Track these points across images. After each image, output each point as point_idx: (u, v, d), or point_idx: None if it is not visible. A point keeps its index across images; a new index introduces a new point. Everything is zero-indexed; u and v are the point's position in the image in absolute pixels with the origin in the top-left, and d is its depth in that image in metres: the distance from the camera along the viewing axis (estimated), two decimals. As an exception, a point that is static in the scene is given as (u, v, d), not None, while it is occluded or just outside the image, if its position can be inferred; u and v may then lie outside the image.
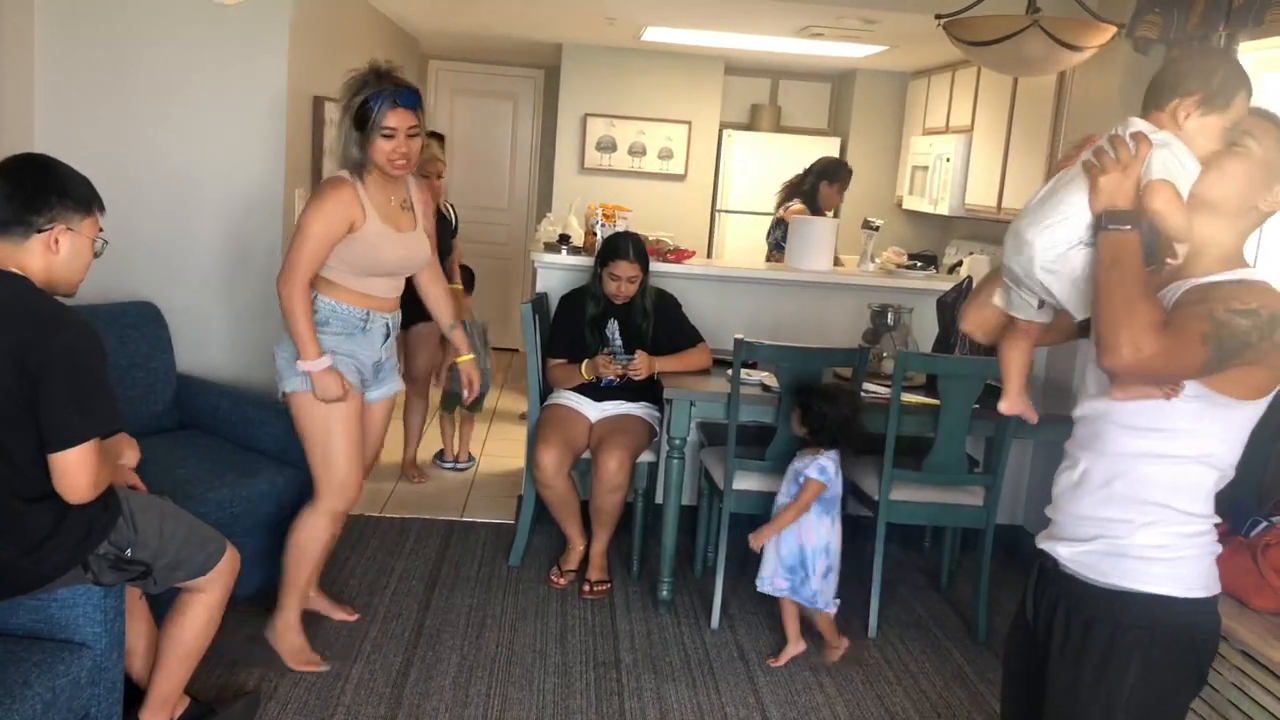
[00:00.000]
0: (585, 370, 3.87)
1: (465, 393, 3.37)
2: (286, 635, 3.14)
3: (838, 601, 3.41)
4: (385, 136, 2.83)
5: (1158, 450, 1.68)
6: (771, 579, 3.37)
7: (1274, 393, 1.66)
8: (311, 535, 3.09)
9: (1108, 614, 1.72)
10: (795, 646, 3.43)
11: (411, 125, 2.86)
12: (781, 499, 3.39)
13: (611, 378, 3.84)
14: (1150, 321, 1.55)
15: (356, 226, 2.90)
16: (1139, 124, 1.66)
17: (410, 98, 2.86)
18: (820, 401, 3.34)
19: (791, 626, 3.43)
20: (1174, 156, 1.62)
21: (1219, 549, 1.76)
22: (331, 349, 2.96)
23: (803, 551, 3.33)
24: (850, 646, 3.46)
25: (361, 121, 2.83)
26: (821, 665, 3.42)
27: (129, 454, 2.53)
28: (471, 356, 3.38)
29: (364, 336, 3.03)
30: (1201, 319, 1.57)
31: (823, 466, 3.30)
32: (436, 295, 3.28)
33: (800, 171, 5.67)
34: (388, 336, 3.11)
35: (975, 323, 1.98)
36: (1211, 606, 1.74)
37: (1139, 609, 1.70)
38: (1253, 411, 1.68)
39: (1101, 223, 1.62)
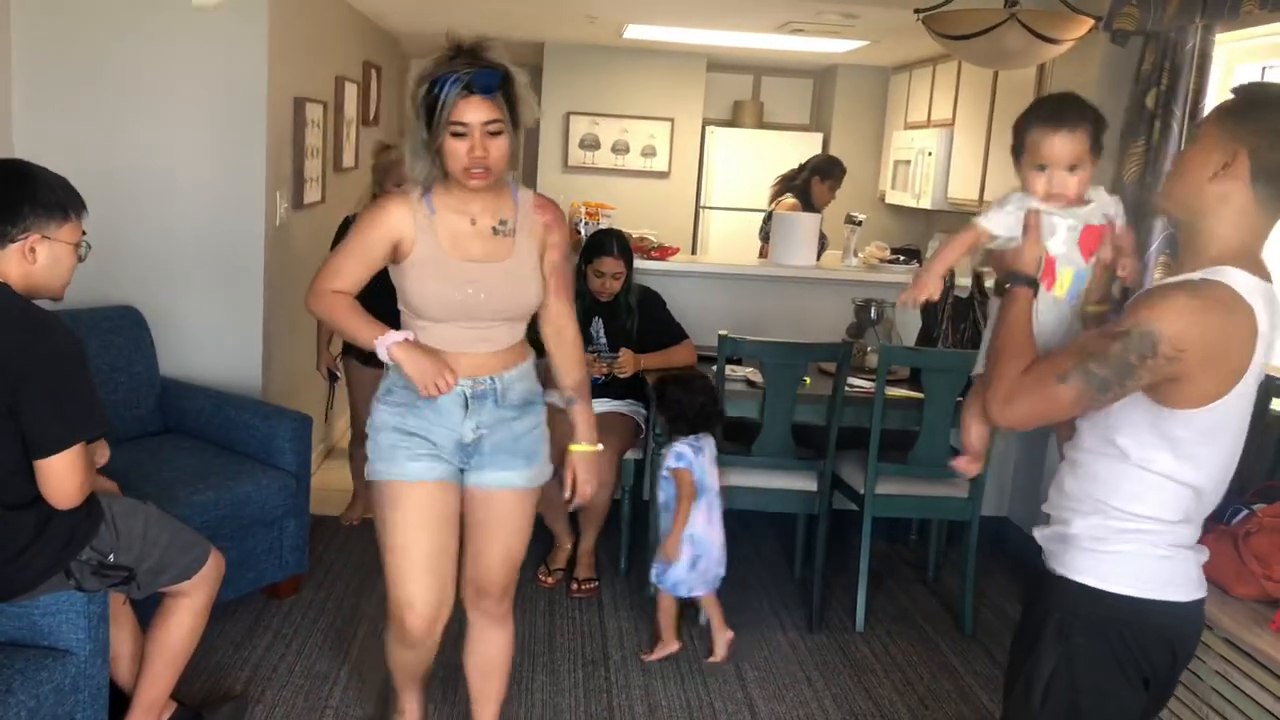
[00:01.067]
0: None
1: (567, 494, 2.45)
2: None
3: (703, 594, 3.35)
4: (455, 135, 2.12)
5: (1106, 450, 1.71)
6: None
7: (1230, 401, 1.60)
8: (390, 658, 2.55)
9: (1043, 598, 1.77)
10: (669, 645, 3.35)
11: (491, 119, 2.12)
12: (662, 498, 3.38)
13: (597, 376, 3.84)
14: (1010, 382, 1.66)
15: (404, 250, 2.23)
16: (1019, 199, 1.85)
17: (489, 79, 2.10)
18: (675, 389, 3.37)
19: (665, 623, 3.36)
20: (1045, 218, 1.83)
21: (1175, 553, 1.70)
22: (392, 426, 2.31)
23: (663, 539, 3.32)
24: (733, 641, 3.37)
25: (430, 114, 2.13)
26: (810, 660, 3.43)
27: (99, 454, 2.52)
28: (593, 449, 2.45)
29: (431, 409, 2.29)
30: (1067, 356, 1.63)
31: (679, 453, 3.29)
32: (561, 354, 2.43)
33: (796, 166, 5.70)
34: (469, 406, 2.30)
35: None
36: (1144, 607, 1.69)
37: (1065, 596, 1.73)
38: (1204, 421, 1.61)
39: (1002, 287, 1.82)
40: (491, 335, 2.30)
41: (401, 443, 2.30)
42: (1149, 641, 1.71)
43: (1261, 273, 1.62)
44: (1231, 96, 1.66)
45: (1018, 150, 1.87)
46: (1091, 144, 1.82)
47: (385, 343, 2.19)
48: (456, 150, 2.13)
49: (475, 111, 2.11)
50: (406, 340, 2.21)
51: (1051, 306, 1.83)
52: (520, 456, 2.37)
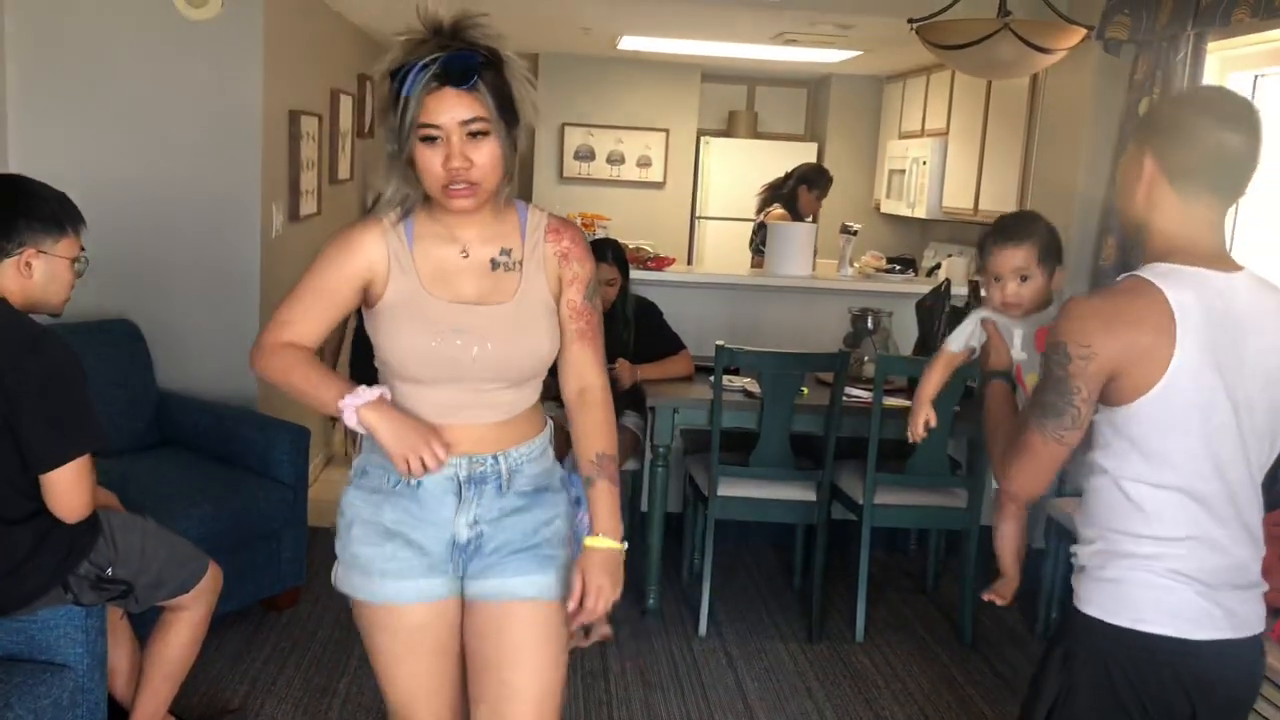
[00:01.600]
0: None
1: (573, 604, 1.84)
2: None
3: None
4: (426, 141, 1.64)
5: (1093, 473, 1.71)
6: None
7: (1177, 386, 1.59)
8: None
9: (1062, 626, 1.78)
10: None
11: (471, 117, 1.63)
12: None
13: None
14: (1003, 459, 1.74)
15: (376, 292, 1.76)
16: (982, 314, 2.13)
17: (465, 62, 1.62)
18: None
19: None
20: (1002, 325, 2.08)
21: (1182, 583, 1.62)
22: (365, 519, 1.81)
23: None
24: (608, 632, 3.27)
25: (398, 115, 1.65)
26: (810, 671, 3.42)
27: None
28: (616, 546, 1.85)
29: (413, 499, 1.79)
30: (1026, 409, 1.73)
31: None
32: (584, 419, 1.88)
33: (782, 174, 5.71)
34: (463, 495, 1.79)
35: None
36: (1148, 643, 1.62)
37: (1073, 625, 1.72)
38: (1153, 410, 1.60)
39: (986, 379, 2.01)
40: (492, 400, 1.79)
41: (377, 548, 1.79)
42: (1155, 680, 1.63)
43: (1215, 263, 1.64)
44: None
45: (979, 266, 2.15)
46: (1040, 255, 2.06)
47: (353, 404, 1.67)
48: (429, 162, 1.65)
49: (449, 108, 1.62)
50: (381, 399, 1.69)
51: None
52: (535, 559, 1.83)
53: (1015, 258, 2.07)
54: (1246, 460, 1.66)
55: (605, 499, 1.85)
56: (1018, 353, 2.05)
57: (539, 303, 1.81)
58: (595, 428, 1.88)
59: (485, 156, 1.66)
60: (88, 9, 3.81)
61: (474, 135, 1.64)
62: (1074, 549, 1.77)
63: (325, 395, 1.71)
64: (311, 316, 1.78)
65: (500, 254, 1.80)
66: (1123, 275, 1.67)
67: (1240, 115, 1.65)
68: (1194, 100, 1.83)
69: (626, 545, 1.88)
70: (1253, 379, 1.64)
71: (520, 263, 1.80)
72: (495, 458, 1.81)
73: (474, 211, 1.73)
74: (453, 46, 1.63)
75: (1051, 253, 2.09)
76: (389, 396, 1.72)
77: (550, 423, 1.94)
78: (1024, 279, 2.07)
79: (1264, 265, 3.50)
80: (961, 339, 2.17)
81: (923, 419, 2.26)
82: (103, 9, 3.81)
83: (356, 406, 1.67)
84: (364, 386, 1.69)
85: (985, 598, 2.26)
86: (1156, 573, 1.64)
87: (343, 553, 1.84)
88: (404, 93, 1.62)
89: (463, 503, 1.80)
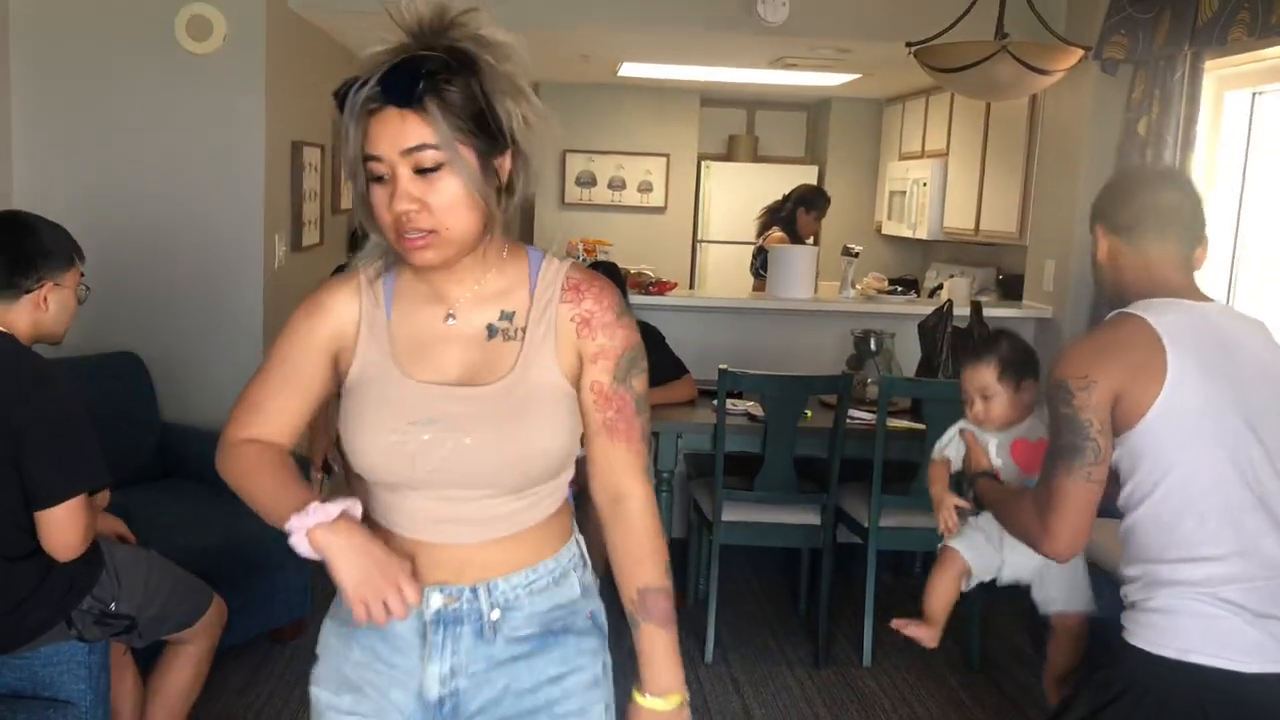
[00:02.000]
0: None
1: None
2: None
3: None
4: (374, 178, 1.30)
5: (1125, 502, 1.73)
6: None
7: (1177, 401, 1.63)
8: None
9: (1103, 654, 1.77)
10: None
11: (414, 145, 1.27)
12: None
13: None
14: (1033, 522, 1.75)
15: (344, 363, 1.42)
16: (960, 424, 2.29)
17: (407, 73, 1.27)
18: None
19: None
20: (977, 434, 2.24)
21: (1229, 611, 1.58)
22: (332, 656, 1.46)
23: None
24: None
25: (346, 146, 1.32)
26: (817, 696, 3.40)
27: (100, 498, 2.50)
28: (669, 706, 1.44)
29: (379, 637, 1.41)
30: (1044, 463, 1.77)
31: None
32: (624, 539, 1.47)
33: (780, 197, 5.72)
34: (429, 638, 1.39)
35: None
36: (1187, 672, 1.58)
37: (1117, 655, 1.70)
38: (1159, 426, 1.63)
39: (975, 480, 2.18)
40: (479, 514, 1.37)
41: (334, 697, 1.42)
42: (1201, 717, 1.59)
43: (1187, 295, 1.77)
44: None
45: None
46: (1000, 373, 2.19)
47: (303, 525, 1.29)
48: (378, 204, 1.30)
49: (390, 134, 1.27)
50: (344, 518, 1.30)
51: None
52: None
53: (976, 378, 2.22)
54: (1276, 469, 1.65)
55: (657, 646, 1.43)
56: (993, 459, 2.21)
57: (545, 383, 1.37)
58: (638, 551, 1.44)
59: (443, 195, 1.28)
60: (91, 42, 3.84)
61: (424, 171, 1.27)
62: (1123, 590, 1.75)
63: (279, 509, 1.33)
64: (280, 403, 1.42)
65: (500, 318, 1.39)
66: (1109, 315, 1.77)
67: (1170, 176, 1.93)
68: (1128, 174, 2.03)
69: (686, 699, 1.44)
70: (1258, 388, 1.66)
71: (524, 330, 1.38)
72: (475, 590, 1.37)
73: (444, 266, 1.34)
74: (400, 58, 1.28)
75: (1016, 368, 2.20)
76: (357, 512, 1.32)
77: (573, 525, 1.48)
78: (986, 397, 2.22)
79: (1266, 277, 3.50)
80: (939, 447, 2.36)
81: (948, 511, 2.34)
82: (106, 42, 3.85)
83: (307, 529, 1.29)
84: (318, 503, 1.30)
85: (895, 625, 2.37)
86: (1204, 600, 1.61)
87: (313, 700, 1.46)
88: (344, 118, 1.31)
89: (429, 649, 1.38)
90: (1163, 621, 1.63)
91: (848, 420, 3.56)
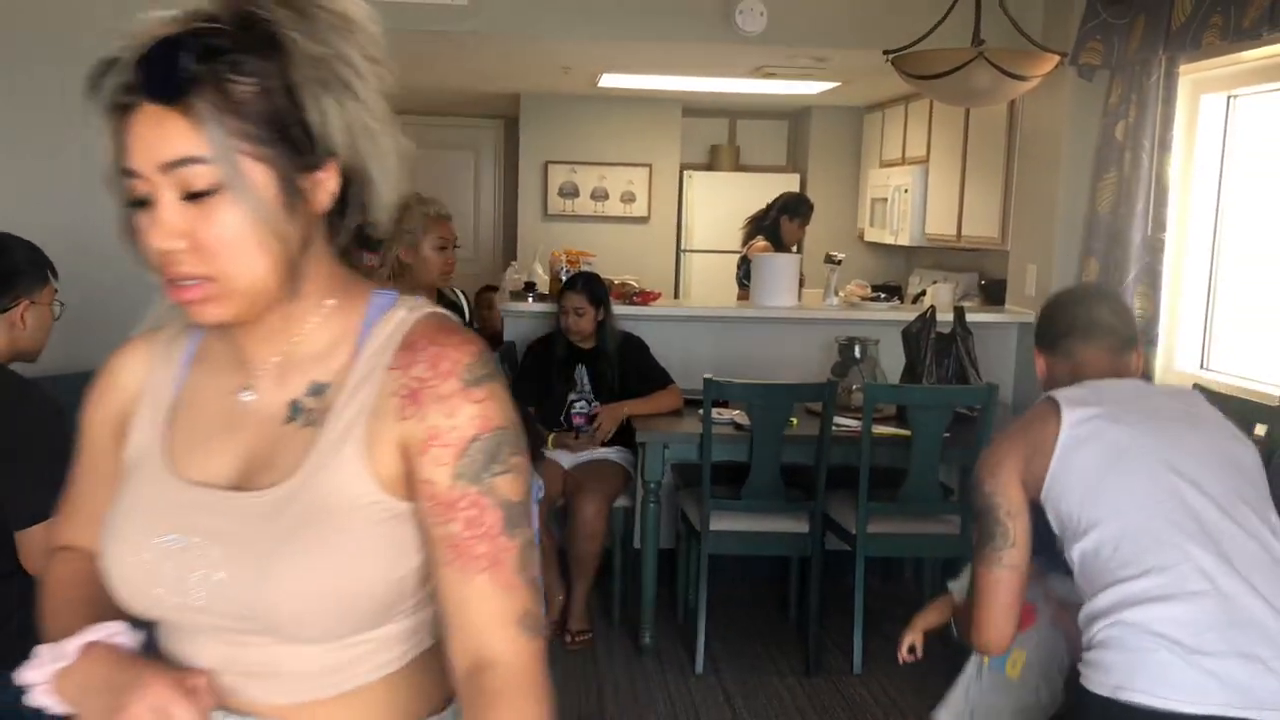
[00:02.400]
0: (552, 443, 3.90)
1: None
2: None
3: None
4: (134, 202, 0.97)
5: (1071, 561, 1.77)
6: None
7: (1065, 447, 1.73)
8: None
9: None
10: None
11: (180, 159, 0.91)
12: None
13: (582, 423, 3.85)
14: (966, 612, 1.87)
15: (124, 446, 1.10)
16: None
17: (168, 52, 0.89)
18: None
19: None
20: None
21: (1164, 648, 1.52)
22: None
23: None
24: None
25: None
26: (809, 705, 3.39)
27: None
28: None
29: None
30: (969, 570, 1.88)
31: None
32: None
33: (764, 205, 5.74)
34: None
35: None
36: (1124, 715, 1.53)
37: (1074, 700, 1.74)
38: (1066, 471, 1.72)
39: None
40: (273, 666, 0.99)
41: None
42: None
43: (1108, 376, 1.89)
44: None
45: None
46: None
47: (41, 676, 0.99)
48: (144, 234, 0.98)
49: (146, 143, 0.93)
50: (89, 653, 0.99)
51: (985, 674, 2.08)
52: None
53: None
54: (1207, 494, 1.63)
55: None
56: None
57: (341, 492, 0.95)
58: None
59: (218, 230, 0.93)
60: (61, 58, 3.81)
61: (193, 196, 0.92)
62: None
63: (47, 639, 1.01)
64: (92, 508, 1.09)
65: (307, 392, 1.00)
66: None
67: (1098, 292, 2.15)
68: (1059, 295, 2.10)
69: None
70: (1172, 422, 1.72)
71: (328, 409, 0.98)
72: None
73: (235, 322, 0.98)
74: (203, 28, 0.91)
75: None
76: (124, 639, 1.01)
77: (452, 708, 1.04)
78: None
79: (1242, 279, 3.52)
80: (954, 587, 2.24)
81: (913, 636, 2.27)
82: (76, 59, 3.82)
83: (45, 675, 0.98)
84: (49, 645, 0.99)
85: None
86: (1134, 632, 1.54)
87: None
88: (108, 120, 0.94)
89: None
90: (1097, 657, 1.61)
91: (833, 427, 3.57)
